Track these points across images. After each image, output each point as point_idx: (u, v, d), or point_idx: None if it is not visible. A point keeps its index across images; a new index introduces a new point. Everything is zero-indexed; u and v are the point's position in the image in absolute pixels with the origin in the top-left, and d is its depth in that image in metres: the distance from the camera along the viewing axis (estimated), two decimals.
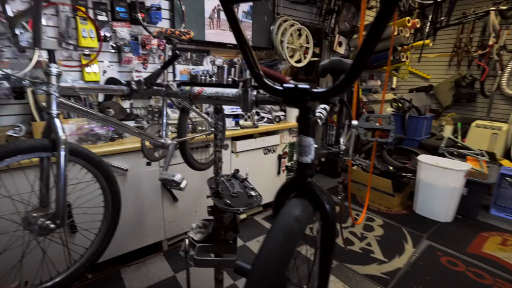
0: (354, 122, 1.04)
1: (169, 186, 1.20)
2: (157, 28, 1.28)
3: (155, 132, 1.36)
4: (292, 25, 2.89)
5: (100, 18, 2.03)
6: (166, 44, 1.30)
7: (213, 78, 2.42)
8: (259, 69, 0.66)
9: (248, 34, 2.80)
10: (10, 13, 0.89)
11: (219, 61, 2.61)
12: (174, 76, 2.50)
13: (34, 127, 1.74)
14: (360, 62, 0.51)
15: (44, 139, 0.84)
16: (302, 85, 0.62)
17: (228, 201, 1.07)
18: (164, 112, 1.31)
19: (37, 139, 0.83)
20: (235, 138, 2.37)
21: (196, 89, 0.99)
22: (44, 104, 1.83)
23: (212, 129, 1.67)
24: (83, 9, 1.94)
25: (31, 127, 1.77)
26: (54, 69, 0.84)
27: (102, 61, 2.12)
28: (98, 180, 1.03)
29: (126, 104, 2.24)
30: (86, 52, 2.02)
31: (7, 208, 1.08)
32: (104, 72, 2.13)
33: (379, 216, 2.81)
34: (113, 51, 2.14)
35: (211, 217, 1.16)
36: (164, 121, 1.31)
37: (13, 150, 0.75)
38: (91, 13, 2.00)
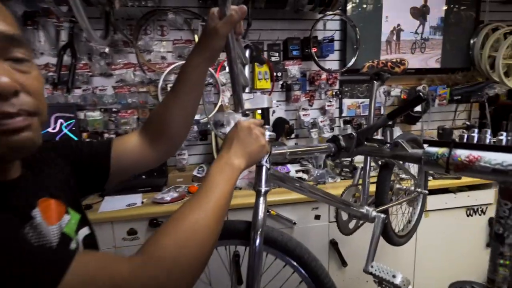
0: None
1: (379, 286, 0.81)
2: (368, 63, 0.97)
3: (350, 196, 1.03)
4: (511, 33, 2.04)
5: (273, 59, 2.01)
6: (375, 81, 0.98)
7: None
8: None
9: (436, 53, 2.18)
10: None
11: (396, 91, 2.12)
12: (341, 112, 2.19)
13: None
14: None
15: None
16: None
17: None
18: (367, 171, 0.96)
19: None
20: None
21: (464, 154, 0.58)
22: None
23: (419, 189, 1.19)
24: (259, 51, 1.97)
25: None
26: (268, 132, 0.65)
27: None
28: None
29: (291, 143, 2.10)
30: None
31: None
32: (273, 112, 2.07)
33: None
34: (281, 90, 2.08)
35: None
36: (367, 183, 0.96)
37: None
38: (265, 55, 2.01)
